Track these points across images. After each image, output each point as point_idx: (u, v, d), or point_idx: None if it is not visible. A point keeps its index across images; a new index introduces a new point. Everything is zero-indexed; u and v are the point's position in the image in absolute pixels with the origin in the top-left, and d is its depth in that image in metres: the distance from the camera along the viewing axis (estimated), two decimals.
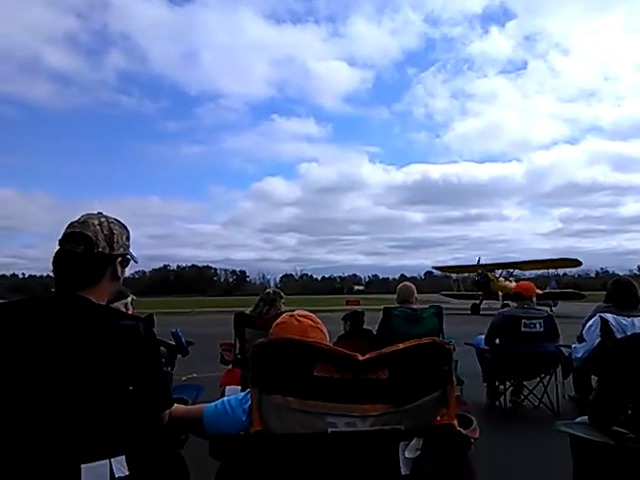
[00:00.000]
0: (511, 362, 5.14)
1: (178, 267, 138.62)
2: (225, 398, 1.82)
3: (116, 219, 1.72)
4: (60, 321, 1.47)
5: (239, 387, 4.48)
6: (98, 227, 1.62)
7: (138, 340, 1.51)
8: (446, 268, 40.08)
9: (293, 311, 2.03)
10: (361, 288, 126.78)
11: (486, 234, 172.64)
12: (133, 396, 1.47)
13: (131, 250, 1.76)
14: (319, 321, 1.97)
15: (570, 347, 5.28)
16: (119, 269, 1.68)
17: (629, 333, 4.70)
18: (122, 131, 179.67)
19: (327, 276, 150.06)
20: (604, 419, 2.13)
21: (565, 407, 5.33)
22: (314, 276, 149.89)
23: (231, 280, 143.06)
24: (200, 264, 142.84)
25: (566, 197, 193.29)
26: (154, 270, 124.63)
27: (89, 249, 1.58)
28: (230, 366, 4.93)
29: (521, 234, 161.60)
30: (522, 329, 5.14)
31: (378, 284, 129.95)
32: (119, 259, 1.68)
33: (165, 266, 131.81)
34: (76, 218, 1.67)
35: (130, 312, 3.66)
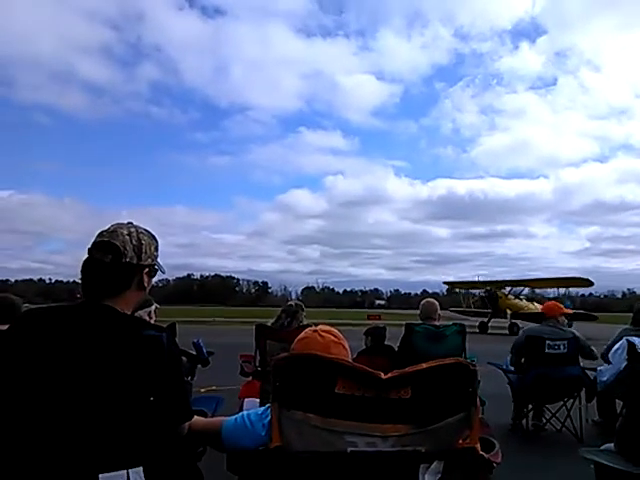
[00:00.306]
0: (535, 386, 5.04)
1: (202, 276, 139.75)
2: (245, 412, 1.80)
3: (146, 229, 1.74)
4: (84, 329, 1.48)
5: (258, 400, 4.47)
6: (127, 237, 1.63)
7: (161, 351, 1.51)
8: (455, 283, 39.08)
9: (316, 325, 2.01)
10: (382, 303, 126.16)
11: (511, 251, 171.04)
12: (154, 407, 1.47)
13: (159, 260, 1.77)
14: (341, 337, 1.95)
15: (595, 370, 5.18)
16: (145, 279, 1.69)
17: None
18: (152, 141, 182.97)
19: (348, 290, 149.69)
20: (631, 447, 2.04)
21: (589, 432, 5.20)
22: (335, 289, 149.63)
23: (253, 291, 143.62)
24: (223, 274, 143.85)
25: (594, 216, 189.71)
26: (178, 279, 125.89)
27: (117, 259, 1.59)
28: (250, 378, 4.92)
29: (547, 252, 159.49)
30: (546, 350, 5.05)
31: (400, 299, 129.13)
32: (146, 269, 1.68)
33: (189, 275, 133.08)
34: (106, 227, 1.68)
35: (153, 320, 3.69)
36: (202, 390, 6.35)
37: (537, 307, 29.94)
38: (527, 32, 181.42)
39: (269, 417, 1.59)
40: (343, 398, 1.50)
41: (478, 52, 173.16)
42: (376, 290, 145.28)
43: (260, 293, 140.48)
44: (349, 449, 1.48)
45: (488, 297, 31.05)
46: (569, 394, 5.17)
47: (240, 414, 1.78)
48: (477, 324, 29.95)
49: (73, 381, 1.41)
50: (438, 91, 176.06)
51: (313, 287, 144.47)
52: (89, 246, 1.63)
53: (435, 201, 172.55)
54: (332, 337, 1.90)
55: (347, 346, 1.95)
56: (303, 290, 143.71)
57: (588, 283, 30.87)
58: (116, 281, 1.60)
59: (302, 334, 1.96)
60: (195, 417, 1.73)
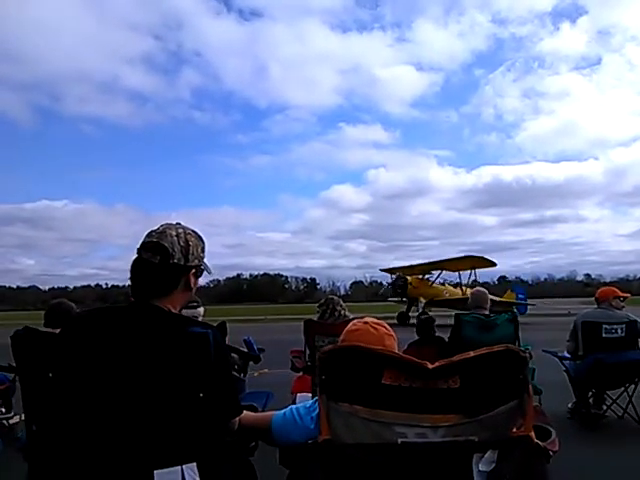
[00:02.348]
0: (593, 372, 4.89)
1: (251, 276, 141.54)
2: (293, 406, 1.81)
3: (193, 230, 1.76)
4: (132, 329, 1.51)
5: (310, 394, 4.49)
6: (175, 238, 1.66)
7: (207, 347, 1.52)
8: (390, 270, 32.11)
9: (362, 318, 2.00)
10: None
11: (563, 236, 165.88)
12: (204, 403, 1.49)
13: (205, 261, 1.79)
14: (391, 329, 1.94)
15: None
16: (192, 280, 1.71)
17: None
18: (196, 145, 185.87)
19: None
20: None
21: None
22: (384, 282, 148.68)
23: (302, 287, 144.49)
24: (272, 272, 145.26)
25: None
26: (228, 279, 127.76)
27: (165, 259, 1.62)
28: (301, 373, 4.95)
29: (601, 236, 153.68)
30: (603, 335, 4.89)
31: None
32: (193, 270, 1.71)
33: (238, 275, 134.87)
34: (155, 227, 1.71)
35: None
36: (255, 374, 6.44)
37: (460, 292, 27.36)
38: (567, 12, 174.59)
39: (317, 410, 1.60)
40: (390, 389, 1.48)
41: (517, 36, 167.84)
42: (510, 281, 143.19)
43: (309, 289, 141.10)
44: (399, 440, 1.47)
45: (397, 284, 27.99)
46: (629, 379, 4.99)
47: (289, 408, 1.80)
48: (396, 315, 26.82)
49: (123, 380, 1.44)
50: (478, 78, 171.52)
51: (361, 281, 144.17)
52: (138, 246, 1.67)
53: (480, 189, 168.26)
54: (384, 329, 1.90)
55: (396, 338, 1.94)
56: (351, 285, 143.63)
57: (490, 264, 27.53)
58: (164, 281, 1.63)
59: (352, 326, 1.95)
60: (245, 412, 1.75)
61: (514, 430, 1.51)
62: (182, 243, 1.67)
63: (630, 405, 4.98)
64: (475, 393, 1.49)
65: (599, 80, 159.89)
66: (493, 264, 27.57)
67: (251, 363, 5.15)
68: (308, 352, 4.87)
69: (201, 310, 4.04)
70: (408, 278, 27.84)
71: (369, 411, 1.48)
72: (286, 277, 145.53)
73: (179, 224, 1.75)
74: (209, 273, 1.82)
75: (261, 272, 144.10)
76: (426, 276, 28.93)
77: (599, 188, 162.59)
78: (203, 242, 1.78)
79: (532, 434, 1.52)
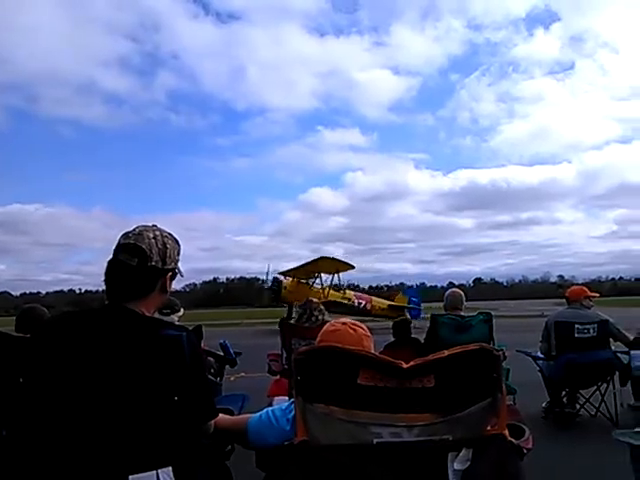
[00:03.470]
0: (566, 372, 4.97)
1: (227, 279, 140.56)
2: (269, 408, 1.80)
3: (170, 233, 1.75)
4: (105, 332, 1.49)
5: (287, 397, 4.47)
6: (153, 240, 1.64)
7: (180, 350, 1.51)
8: (287, 272, 28.79)
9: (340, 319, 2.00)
10: None
11: (538, 238, 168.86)
12: (178, 406, 1.47)
13: (180, 265, 1.78)
14: (368, 330, 1.95)
15: (628, 353, 5.07)
16: (168, 283, 1.71)
17: None
18: (174, 147, 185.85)
19: (374, 285, 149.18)
20: None
21: (624, 416, 5.09)
22: (361, 285, 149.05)
23: None
24: (248, 276, 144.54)
25: (620, 198, 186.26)
26: (205, 283, 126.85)
27: (143, 262, 1.61)
28: (278, 376, 4.93)
29: (574, 238, 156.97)
30: (575, 335, 4.97)
31: (426, 292, 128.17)
32: (170, 273, 1.70)
33: (215, 279, 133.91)
34: (131, 228, 1.69)
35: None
36: (231, 379, 6.39)
37: (348, 295, 27.08)
38: (541, 19, 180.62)
39: (293, 412, 1.59)
40: (366, 389, 1.48)
41: (492, 41, 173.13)
42: (402, 284, 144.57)
43: None
44: (374, 440, 1.47)
45: (271, 288, 27.17)
46: (602, 378, 5.07)
47: (265, 410, 1.79)
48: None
49: (95, 384, 1.42)
50: (454, 82, 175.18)
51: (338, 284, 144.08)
52: (114, 247, 1.65)
53: (457, 192, 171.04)
54: (363, 331, 1.90)
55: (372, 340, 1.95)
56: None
57: (347, 266, 26.39)
58: (141, 284, 1.61)
59: (330, 327, 1.95)
60: (221, 415, 1.73)
61: (488, 428, 1.52)
62: (160, 246, 1.65)
63: (602, 404, 5.07)
64: (449, 392, 1.50)
65: (572, 85, 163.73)
66: (350, 267, 26.67)
67: (227, 367, 5.13)
68: (285, 355, 4.86)
69: (178, 315, 4.02)
70: (284, 282, 26.80)
71: (345, 412, 1.48)
72: (262, 280, 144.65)
73: (155, 226, 1.74)
74: (182, 276, 1.81)
75: (237, 276, 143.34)
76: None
77: (573, 191, 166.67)
78: (179, 245, 1.77)
79: (506, 432, 1.53)
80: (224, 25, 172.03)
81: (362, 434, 1.48)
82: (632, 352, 5.01)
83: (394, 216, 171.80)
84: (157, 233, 1.68)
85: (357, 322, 1.96)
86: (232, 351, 4.92)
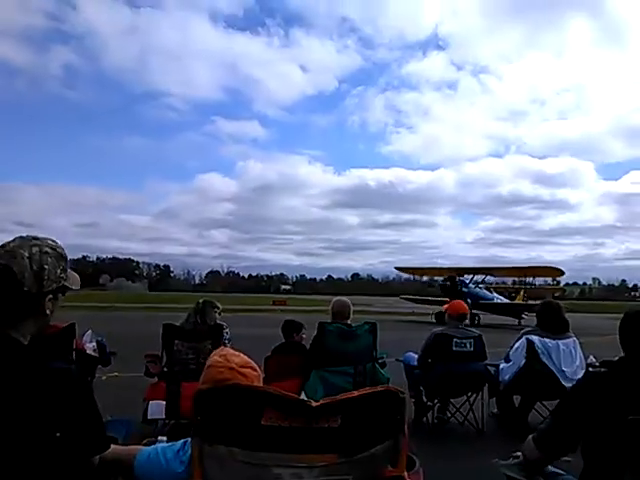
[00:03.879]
0: (441, 380, 5.19)
1: (98, 258, 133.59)
2: (159, 446, 1.68)
3: (52, 246, 1.51)
4: None
5: (164, 402, 4.29)
6: (27, 261, 1.41)
7: (70, 384, 1.38)
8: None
9: (223, 354, 1.83)
10: (288, 288, 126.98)
11: (417, 239, 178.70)
12: (60, 442, 1.32)
13: (70, 274, 1.56)
14: (249, 360, 1.81)
15: (497, 366, 5.44)
16: (49, 305, 1.48)
17: (553, 355, 4.90)
18: (65, 122, 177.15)
19: (254, 274, 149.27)
20: (549, 453, 2.08)
21: (488, 424, 5.42)
22: (241, 273, 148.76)
23: (154, 274, 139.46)
24: (122, 256, 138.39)
25: (492, 208, 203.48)
26: (71, 261, 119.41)
27: (13, 288, 1.39)
28: (155, 379, 4.71)
29: (449, 241, 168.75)
30: (453, 348, 5.21)
31: (305, 284, 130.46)
32: (50, 296, 1.48)
33: (84, 257, 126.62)
34: (8, 240, 1.46)
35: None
36: (103, 378, 6.03)
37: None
38: (433, 44, 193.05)
39: (188, 452, 1.49)
40: (270, 429, 1.41)
41: (387, 59, 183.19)
42: (282, 275, 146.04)
43: (161, 277, 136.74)
44: None
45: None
46: (473, 389, 5.36)
47: (154, 447, 1.66)
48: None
49: None
50: (349, 90, 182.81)
51: (218, 271, 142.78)
52: None
53: (346, 190, 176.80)
54: (252, 371, 1.77)
55: (257, 368, 1.82)
56: (207, 274, 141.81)
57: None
58: (10, 311, 1.40)
59: (216, 374, 1.74)
60: None
61: (389, 468, 1.53)
62: (35, 267, 1.42)
63: (470, 412, 5.37)
64: (353, 432, 1.47)
65: (456, 103, 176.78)
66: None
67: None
68: (165, 358, 4.64)
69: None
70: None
71: (246, 453, 1.41)
72: (137, 262, 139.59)
73: (36, 239, 1.49)
74: (74, 289, 1.60)
75: (110, 255, 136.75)
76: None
77: (451, 198, 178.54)
78: (64, 258, 1.53)
79: (405, 474, 1.55)
80: (136, 9, 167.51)
81: (263, 476, 1.42)
82: (500, 366, 5.38)
83: (284, 208, 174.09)
84: (34, 250, 1.44)
85: (244, 360, 1.80)
86: (108, 350, 4.63)
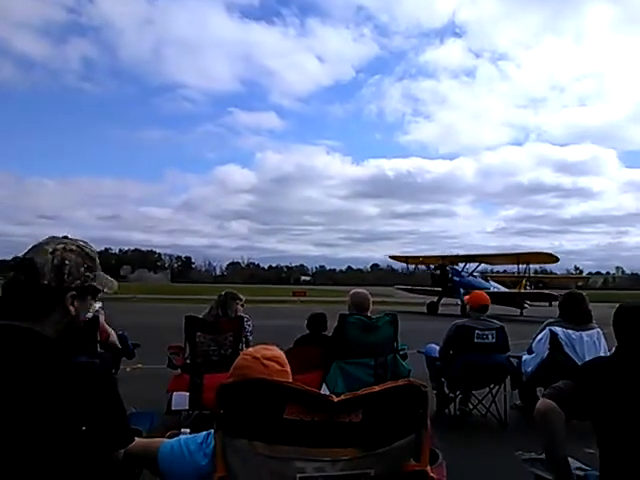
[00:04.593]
0: (463, 372, 5.15)
1: (120, 251, 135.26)
2: (182, 437, 1.69)
3: (80, 246, 1.52)
4: (7, 357, 1.32)
5: (187, 394, 4.34)
6: (50, 256, 1.43)
7: (93, 378, 1.38)
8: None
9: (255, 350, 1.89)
10: (308, 279, 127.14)
11: (436, 229, 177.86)
12: (86, 436, 1.34)
13: (101, 275, 1.57)
14: (285, 361, 1.87)
15: (520, 358, 5.40)
16: (70, 302, 1.47)
17: (577, 347, 4.84)
18: (85, 115, 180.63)
19: (274, 265, 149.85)
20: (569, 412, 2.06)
21: (511, 416, 5.37)
22: (261, 265, 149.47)
23: (176, 266, 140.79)
24: (144, 248, 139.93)
25: (513, 197, 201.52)
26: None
27: (32, 279, 1.41)
28: (179, 371, 4.76)
29: (469, 230, 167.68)
30: (475, 340, 5.16)
31: (325, 275, 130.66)
32: (72, 292, 1.47)
33: (106, 249, 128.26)
34: (41, 239, 1.49)
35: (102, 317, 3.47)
36: (127, 370, 6.12)
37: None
38: (450, 31, 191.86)
39: (211, 445, 1.50)
40: (291, 423, 1.42)
41: (404, 47, 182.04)
42: (302, 266, 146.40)
43: (183, 268, 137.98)
44: (298, 476, 1.42)
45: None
46: (495, 381, 5.32)
47: (177, 439, 1.67)
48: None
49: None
50: (366, 79, 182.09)
51: (238, 262, 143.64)
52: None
53: (365, 180, 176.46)
54: (276, 365, 1.81)
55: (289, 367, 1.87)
56: (228, 265, 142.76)
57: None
58: (33, 304, 1.41)
59: (241, 361, 1.85)
60: None
61: (411, 464, 1.53)
62: (56, 262, 1.43)
63: (493, 405, 5.33)
64: (375, 427, 1.48)
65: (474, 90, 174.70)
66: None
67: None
68: (188, 350, 4.69)
69: (97, 305, 3.79)
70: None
71: (268, 447, 1.42)
72: (159, 254, 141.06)
73: (65, 238, 1.52)
74: (106, 292, 1.60)
75: (132, 248, 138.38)
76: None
77: (470, 187, 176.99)
78: (91, 258, 1.54)
79: (428, 469, 1.54)
80: (153, 1, 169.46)
81: (285, 470, 1.43)
82: (523, 358, 5.33)
83: (302, 199, 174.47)
84: (59, 247, 1.46)
85: (274, 354, 1.87)
86: (130, 343, 4.69)
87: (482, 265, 30.23)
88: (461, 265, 28.62)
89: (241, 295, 5.11)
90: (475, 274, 28.97)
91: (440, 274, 27.30)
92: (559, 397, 2.05)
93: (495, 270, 33.16)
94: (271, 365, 1.80)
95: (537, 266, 31.87)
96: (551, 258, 27.68)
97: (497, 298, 26.73)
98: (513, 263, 28.71)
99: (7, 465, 1.25)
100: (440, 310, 25.93)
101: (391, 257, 35.87)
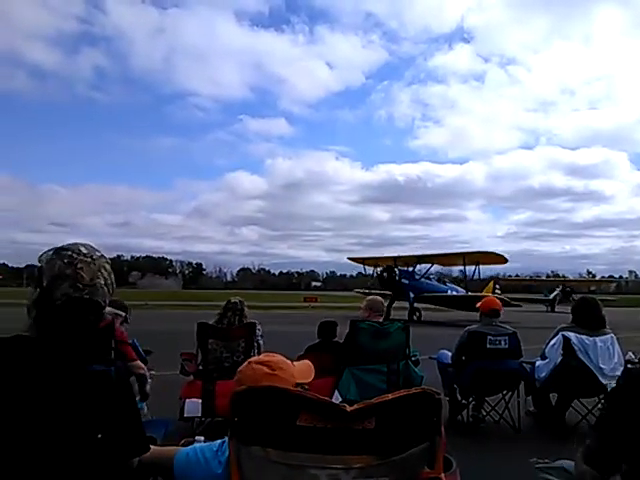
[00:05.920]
0: (475, 378, 5.12)
1: (132, 257, 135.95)
2: (198, 445, 1.70)
3: (106, 259, 1.56)
4: (22, 366, 1.34)
5: (200, 400, 4.35)
6: (105, 289, 1.48)
7: (109, 386, 1.40)
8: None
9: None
10: (318, 284, 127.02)
11: (446, 234, 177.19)
12: (101, 444, 1.35)
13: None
14: (279, 365, 1.80)
15: (533, 364, 5.35)
16: None
17: (590, 352, 4.80)
18: (96, 124, 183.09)
19: (285, 271, 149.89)
20: (604, 470, 1.88)
21: (525, 422, 5.33)
22: (271, 271, 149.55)
23: (187, 272, 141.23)
24: (155, 255, 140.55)
25: (523, 201, 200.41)
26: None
27: (98, 316, 1.47)
28: (191, 377, 4.78)
29: (479, 235, 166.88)
30: (487, 346, 5.13)
31: (335, 281, 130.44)
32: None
33: (118, 256, 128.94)
34: (83, 274, 1.44)
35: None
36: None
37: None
38: (458, 36, 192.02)
39: (226, 453, 1.51)
40: (305, 430, 1.42)
41: (413, 53, 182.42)
42: (312, 272, 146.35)
43: (194, 274, 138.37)
44: None
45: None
46: (508, 387, 5.28)
47: (193, 447, 1.68)
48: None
49: (11, 423, 1.27)
50: (375, 85, 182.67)
51: (249, 268, 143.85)
52: (59, 298, 1.40)
53: (375, 185, 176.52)
54: (265, 368, 1.78)
55: (289, 369, 1.83)
56: (238, 272, 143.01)
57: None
58: (105, 344, 1.48)
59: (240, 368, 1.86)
60: None
61: (425, 471, 1.52)
62: (110, 290, 1.51)
63: (506, 411, 5.28)
64: (389, 434, 1.47)
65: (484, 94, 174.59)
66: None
67: None
68: (200, 356, 4.71)
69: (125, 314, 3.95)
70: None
71: (282, 454, 1.42)
72: (171, 261, 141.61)
73: (102, 257, 1.53)
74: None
75: (143, 254, 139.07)
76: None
77: (481, 191, 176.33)
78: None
79: (442, 476, 1.54)
80: (163, 10, 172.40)
81: (299, 477, 1.42)
82: (536, 364, 5.29)
83: (313, 205, 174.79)
84: (105, 275, 1.49)
85: (269, 358, 1.83)
86: (142, 350, 4.71)
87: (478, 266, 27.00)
88: (417, 267, 26.94)
89: (242, 299, 5.12)
90: (431, 276, 27.71)
91: (387, 276, 25.66)
92: (588, 457, 1.86)
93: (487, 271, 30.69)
94: (258, 368, 1.78)
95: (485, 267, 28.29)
96: (499, 258, 25.90)
97: (449, 302, 25.87)
98: (460, 264, 26.97)
99: (24, 473, 1.26)
100: (392, 315, 21.72)
101: (349, 259, 33.68)
